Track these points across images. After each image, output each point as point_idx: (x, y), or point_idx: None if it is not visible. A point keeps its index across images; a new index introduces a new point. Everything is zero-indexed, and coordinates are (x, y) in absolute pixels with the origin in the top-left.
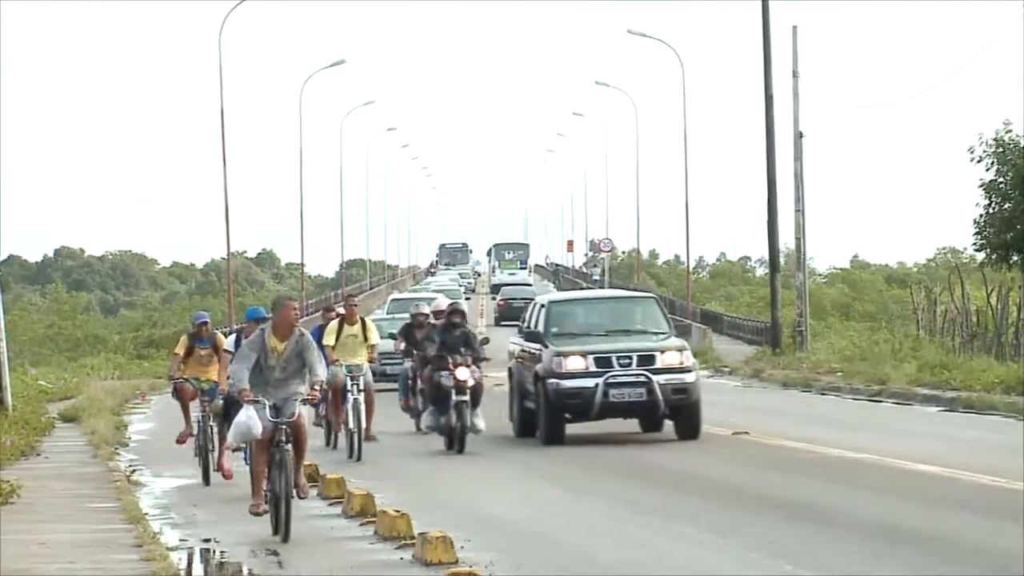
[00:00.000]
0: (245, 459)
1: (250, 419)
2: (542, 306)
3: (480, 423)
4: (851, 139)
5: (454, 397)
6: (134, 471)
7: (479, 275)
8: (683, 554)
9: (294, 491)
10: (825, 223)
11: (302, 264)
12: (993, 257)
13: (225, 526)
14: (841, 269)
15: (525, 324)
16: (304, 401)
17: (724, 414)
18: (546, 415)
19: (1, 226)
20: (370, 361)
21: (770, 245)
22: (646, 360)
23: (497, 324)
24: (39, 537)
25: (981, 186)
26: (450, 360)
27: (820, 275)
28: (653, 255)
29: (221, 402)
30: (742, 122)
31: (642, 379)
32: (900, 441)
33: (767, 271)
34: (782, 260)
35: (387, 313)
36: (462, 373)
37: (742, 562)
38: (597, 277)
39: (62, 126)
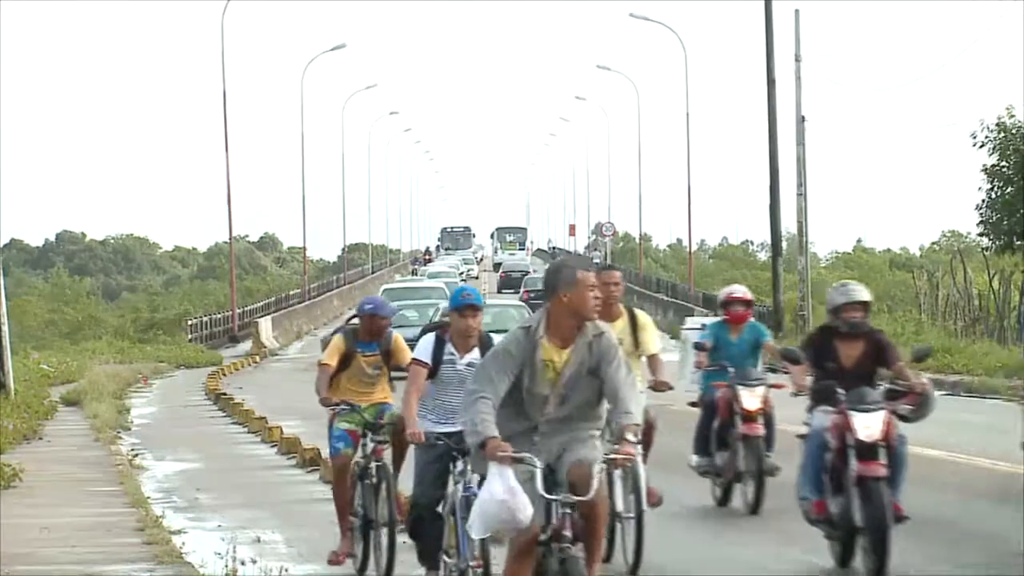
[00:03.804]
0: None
1: (513, 495)
2: None
3: None
4: (855, 123)
5: None
6: (136, 455)
7: (480, 260)
8: None
9: None
10: (829, 208)
11: (304, 248)
12: (996, 242)
13: (228, 511)
14: (844, 253)
15: None
16: (609, 463)
17: None
18: None
19: (2, 210)
20: (657, 387)
21: (772, 229)
22: None
23: (499, 292)
24: (41, 521)
25: (983, 171)
26: None
27: (823, 259)
28: (645, 238)
29: (390, 422)
30: (745, 106)
31: None
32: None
33: (769, 255)
34: (784, 244)
35: None
36: None
37: (735, 543)
38: (597, 261)
39: (63, 110)
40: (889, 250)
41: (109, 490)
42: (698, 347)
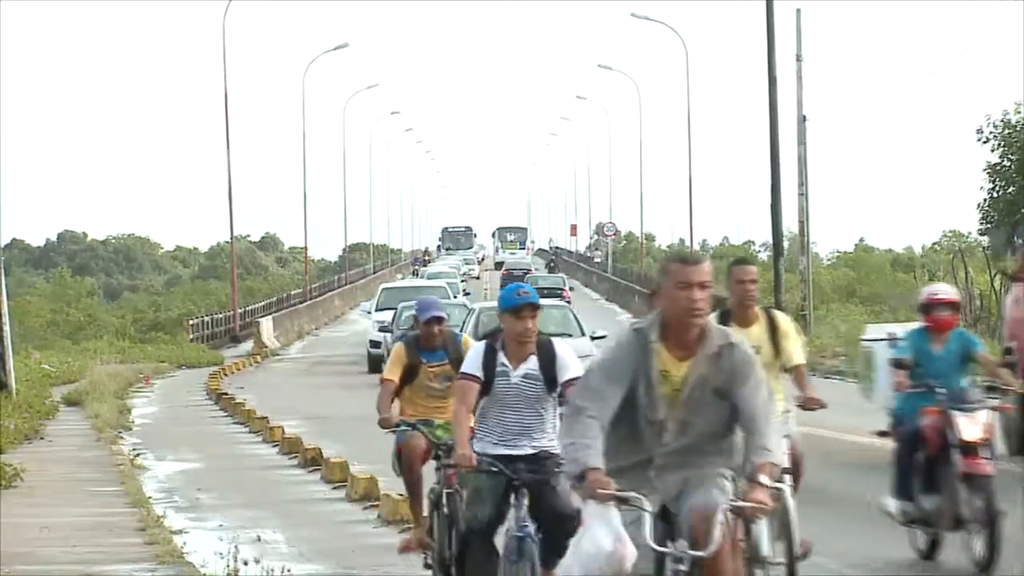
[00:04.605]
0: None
1: (622, 544)
2: None
3: None
4: (856, 123)
5: None
6: (137, 455)
7: (481, 260)
8: None
9: None
10: (831, 207)
11: (305, 248)
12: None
13: (229, 510)
14: (846, 253)
15: None
16: (736, 510)
17: None
18: None
19: (3, 210)
20: (807, 405)
21: (774, 229)
22: None
23: (502, 288)
24: (42, 520)
25: (985, 169)
26: None
27: (824, 259)
28: (650, 238)
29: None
30: (746, 105)
31: None
32: None
33: (771, 255)
34: (786, 244)
35: (377, 307)
36: None
37: None
38: (599, 260)
39: (64, 110)
40: (891, 250)
41: (110, 490)
42: (898, 364)
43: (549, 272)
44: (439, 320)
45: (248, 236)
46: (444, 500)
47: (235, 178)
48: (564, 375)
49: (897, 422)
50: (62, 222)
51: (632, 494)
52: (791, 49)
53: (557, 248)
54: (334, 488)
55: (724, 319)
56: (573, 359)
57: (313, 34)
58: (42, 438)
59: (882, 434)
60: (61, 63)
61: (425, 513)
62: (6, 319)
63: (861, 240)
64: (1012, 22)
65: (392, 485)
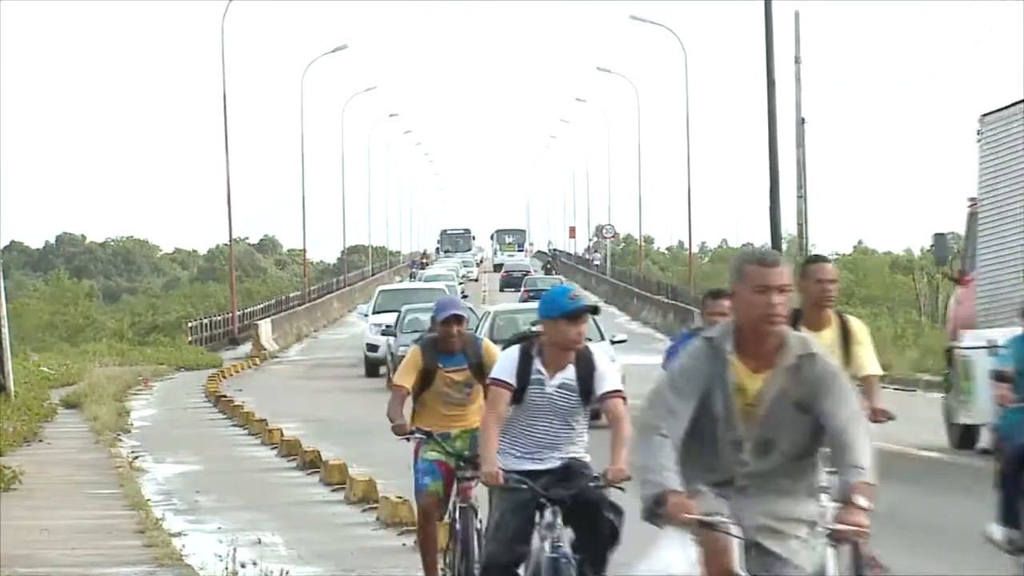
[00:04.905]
0: None
1: (690, 571)
2: None
3: None
4: (855, 125)
5: None
6: (136, 457)
7: (480, 262)
8: None
9: None
10: (829, 209)
11: (304, 250)
12: None
13: (228, 513)
14: (844, 255)
15: None
16: (834, 535)
17: None
18: None
19: (2, 212)
20: (875, 418)
21: (772, 231)
22: None
23: (501, 290)
24: (41, 523)
25: None
26: None
27: None
28: (648, 240)
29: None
30: (745, 108)
31: None
32: (902, 427)
33: None
34: (784, 246)
35: (375, 310)
36: None
37: None
38: (598, 263)
39: (64, 111)
40: (890, 252)
41: (109, 492)
42: (999, 377)
43: (546, 274)
44: (459, 319)
45: (247, 238)
46: (457, 514)
47: (234, 180)
48: (602, 387)
49: (1001, 440)
50: (61, 224)
51: (718, 519)
52: (790, 51)
53: (555, 250)
54: (333, 490)
55: (794, 321)
56: (612, 370)
57: (312, 36)
58: (41, 440)
59: (984, 452)
60: (61, 63)
61: (447, 519)
62: (5, 321)
63: (860, 242)
64: (1012, 22)
65: (391, 487)
